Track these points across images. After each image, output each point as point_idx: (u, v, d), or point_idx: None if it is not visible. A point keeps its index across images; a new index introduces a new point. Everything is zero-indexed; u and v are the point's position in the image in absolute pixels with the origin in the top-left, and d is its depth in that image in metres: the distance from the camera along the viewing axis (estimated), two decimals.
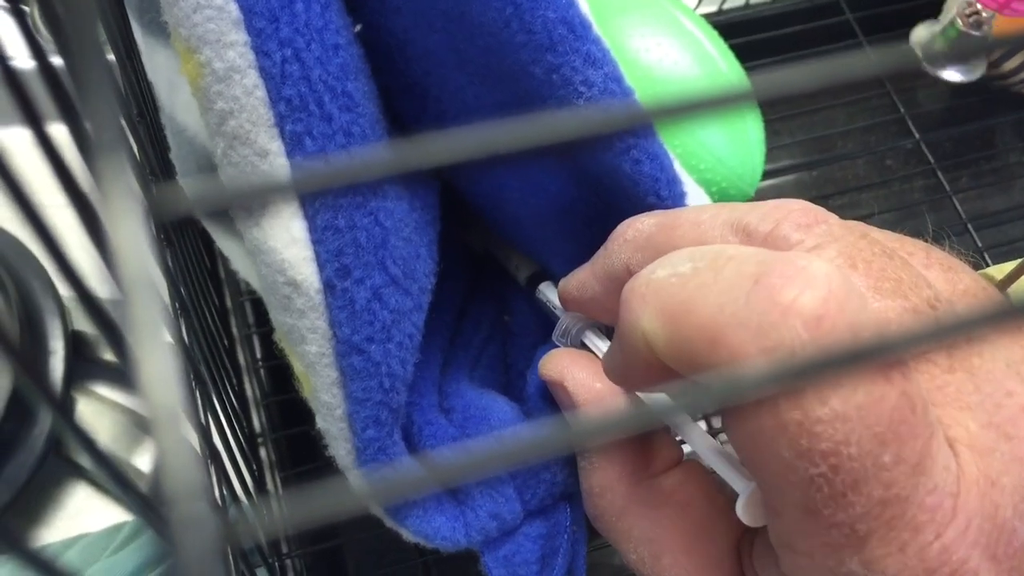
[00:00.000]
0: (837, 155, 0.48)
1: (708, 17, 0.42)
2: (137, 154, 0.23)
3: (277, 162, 0.19)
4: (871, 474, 0.13)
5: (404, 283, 0.21)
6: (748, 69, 0.35)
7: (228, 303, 0.39)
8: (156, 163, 0.26)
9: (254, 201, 0.07)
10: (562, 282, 0.23)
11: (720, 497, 0.20)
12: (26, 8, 0.36)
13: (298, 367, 0.21)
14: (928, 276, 0.17)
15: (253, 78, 0.19)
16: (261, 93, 0.19)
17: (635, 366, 0.16)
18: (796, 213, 0.17)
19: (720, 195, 0.33)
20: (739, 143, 0.33)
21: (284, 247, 0.20)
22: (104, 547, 0.33)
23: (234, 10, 0.18)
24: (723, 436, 0.32)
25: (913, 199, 0.48)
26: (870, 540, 0.14)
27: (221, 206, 0.07)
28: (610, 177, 0.23)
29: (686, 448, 0.22)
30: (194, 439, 0.20)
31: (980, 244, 0.43)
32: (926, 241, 0.19)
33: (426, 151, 0.07)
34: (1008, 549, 0.14)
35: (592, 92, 0.21)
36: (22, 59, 0.32)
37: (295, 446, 0.36)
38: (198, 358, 0.24)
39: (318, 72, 0.19)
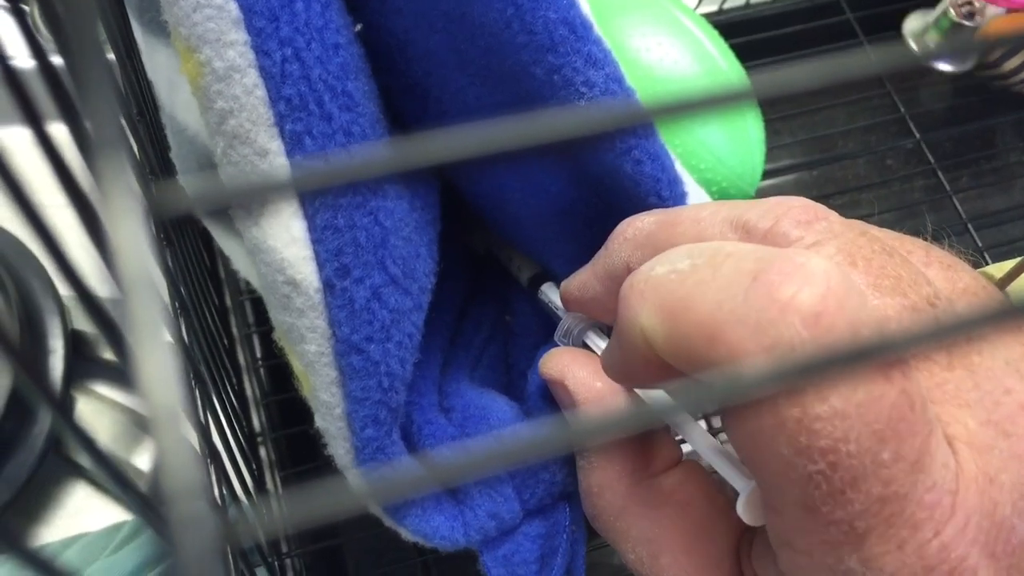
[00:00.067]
0: (837, 155, 0.48)
1: (708, 17, 0.42)
2: (137, 153, 0.23)
3: (277, 161, 0.19)
4: (870, 471, 0.13)
5: (404, 283, 0.21)
6: (748, 68, 0.35)
7: (228, 302, 0.39)
8: (156, 162, 0.26)
9: (254, 200, 0.07)
10: (564, 283, 0.23)
11: (720, 497, 0.20)
12: (26, 7, 0.36)
13: (297, 366, 0.21)
14: (928, 274, 0.17)
15: (253, 77, 0.19)
16: (261, 92, 0.19)
17: (634, 363, 0.16)
18: (796, 210, 0.17)
19: (720, 195, 0.33)
20: (739, 143, 0.33)
21: (284, 246, 0.20)
22: (103, 546, 0.33)
23: (234, 9, 0.18)
24: (723, 436, 0.32)
25: (913, 199, 0.48)
26: (869, 537, 0.14)
27: (221, 205, 0.07)
28: (611, 177, 0.23)
29: (686, 448, 0.22)
30: (194, 438, 0.20)
31: (980, 244, 0.43)
32: (926, 240, 0.19)
33: (426, 149, 0.07)
34: (1007, 547, 0.14)
35: (593, 93, 0.21)
36: (22, 58, 0.32)
37: (295, 445, 0.36)
38: (198, 357, 0.24)
39: (318, 71, 0.19)
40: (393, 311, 0.21)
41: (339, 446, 0.21)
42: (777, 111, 0.46)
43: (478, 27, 0.21)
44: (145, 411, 0.06)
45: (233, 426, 0.27)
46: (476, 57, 0.22)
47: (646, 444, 0.21)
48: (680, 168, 0.23)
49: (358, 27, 0.23)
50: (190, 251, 0.29)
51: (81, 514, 0.35)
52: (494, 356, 0.30)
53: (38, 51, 0.10)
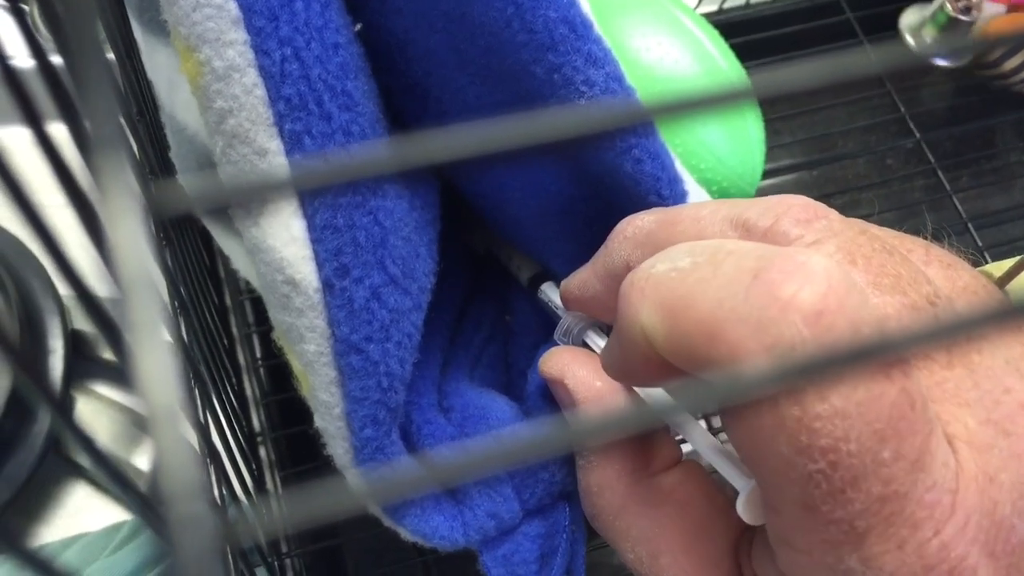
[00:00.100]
0: (838, 154, 0.48)
1: (708, 16, 0.42)
2: (137, 153, 0.23)
3: (276, 161, 0.19)
4: (870, 470, 0.13)
5: (403, 282, 0.21)
6: (748, 68, 0.35)
7: (228, 302, 0.39)
8: (156, 162, 0.26)
9: (253, 199, 0.07)
10: (564, 282, 0.23)
11: (719, 496, 0.20)
12: (25, 7, 0.36)
13: (296, 365, 0.21)
14: (927, 272, 0.17)
15: (252, 77, 0.19)
16: (260, 92, 0.19)
17: (633, 361, 0.16)
18: (796, 208, 0.17)
19: (720, 194, 0.33)
20: (739, 142, 0.33)
21: (283, 246, 0.20)
22: (103, 546, 0.33)
23: (233, 8, 0.18)
24: (723, 436, 0.32)
25: (913, 198, 0.48)
26: (868, 537, 0.14)
27: (220, 204, 0.07)
28: (611, 176, 0.23)
29: (686, 448, 0.22)
30: (193, 438, 0.20)
31: (980, 243, 0.43)
32: (925, 239, 0.19)
33: (426, 149, 0.07)
34: (1006, 546, 0.14)
35: (593, 92, 0.21)
36: (22, 58, 0.32)
37: (295, 445, 0.36)
38: (197, 357, 0.24)
39: (318, 71, 0.19)
40: (392, 311, 0.21)
41: (338, 446, 0.21)
42: (777, 111, 0.46)
43: (478, 26, 0.21)
44: (144, 411, 0.06)
45: (233, 426, 0.27)
46: (476, 56, 0.22)
47: (646, 443, 0.21)
48: (680, 167, 0.23)
49: (358, 27, 0.23)
50: (190, 250, 0.29)
51: (81, 514, 0.35)
52: (494, 356, 0.30)
53: (38, 51, 0.10)
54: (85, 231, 0.09)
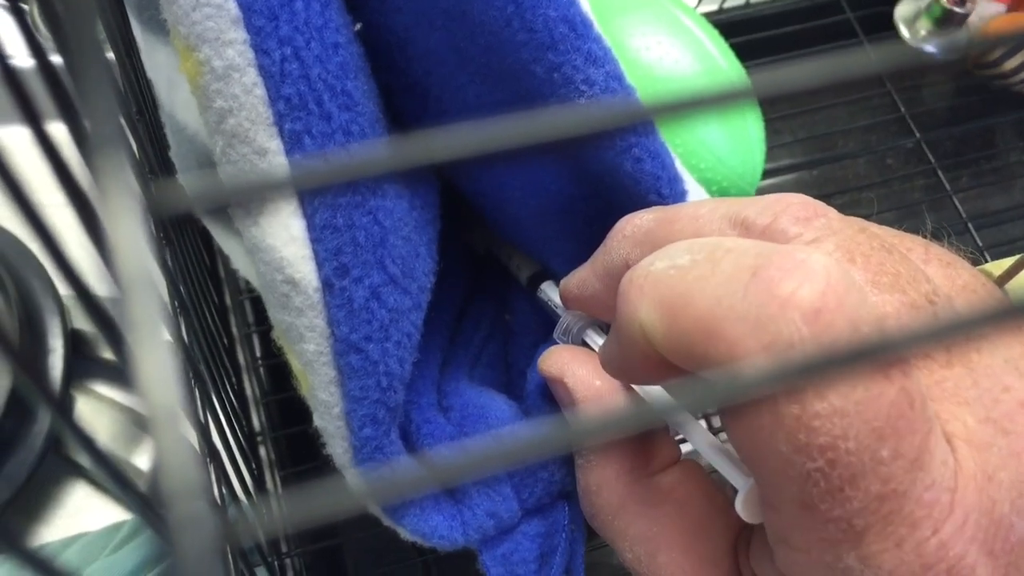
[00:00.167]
0: (838, 154, 0.48)
1: (708, 16, 0.42)
2: (136, 152, 0.23)
3: (276, 160, 0.19)
4: (869, 469, 0.13)
5: (403, 282, 0.21)
6: (748, 68, 0.35)
7: (228, 301, 0.39)
8: (156, 161, 0.26)
9: (253, 198, 0.07)
10: (563, 281, 0.23)
11: (718, 496, 0.20)
12: (25, 6, 0.36)
13: (296, 365, 0.21)
14: (926, 271, 0.17)
15: (252, 76, 0.19)
16: (260, 91, 0.19)
17: (632, 359, 0.16)
18: (795, 207, 0.17)
19: (720, 194, 0.33)
20: (739, 142, 0.33)
21: (283, 245, 0.20)
22: (103, 546, 0.33)
23: (233, 8, 0.18)
24: (723, 435, 0.32)
25: (913, 198, 0.48)
26: (867, 535, 0.14)
27: (220, 203, 0.07)
28: (611, 175, 0.23)
29: (685, 447, 0.22)
30: (193, 438, 0.20)
31: (980, 243, 0.43)
32: (925, 238, 0.19)
33: (425, 148, 0.07)
34: (1005, 544, 0.14)
35: (593, 91, 0.21)
36: (21, 58, 0.32)
37: (295, 445, 0.36)
38: (197, 357, 0.24)
39: (317, 71, 0.19)
40: (392, 310, 0.21)
41: (337, 445, 0.21)
42: (777, 110, 0.46)
43: (478, 25, 0.21)
44: (144, 410, 0.06)
45: (233, 425, 0.27)
46: (476, 55, 0.22)
47: (645, 443, 0.21)
48: (680, 166, 0.23)
49: (358, 26, 0.23)
50: (189, 250, 0.29)
51: (81, 514, 0.35)
52: (493, 355, 0.30)
53: (37, 50, 0.10)
54: (85, 230, 0.09)
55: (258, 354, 0.38)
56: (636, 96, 0.22)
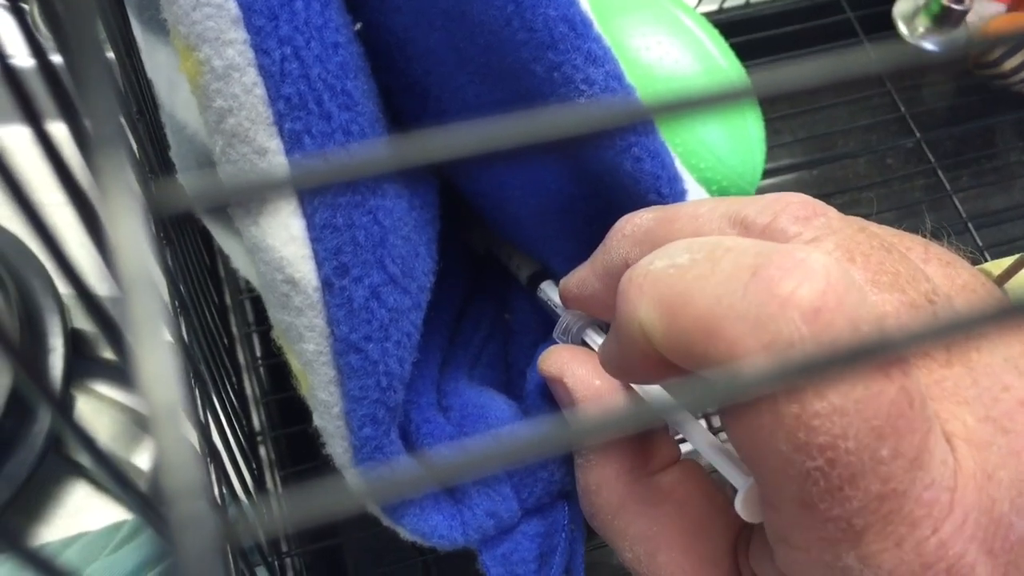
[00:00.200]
0: (838, 154, 0.48)
1: (709, 16, 0.42)
2: (137, 152, 0.23)
3: (276, 160, 0.19)
4: (868, 468, 0.13)
5: (403, 282, 0.21)
6: (748, 67, 0.35)
7: (228, 301, 0.39)
8: (156, 161, 0.26)
9: (253, 198, 0.07)
10: (563, 280, 0.23)
11: (718, 495, 0.20)
12: (26, 6, 0.36)
13: (296, 364, 0.21)
14: (926, 270, 0.17)
15: (252, 76, 0.19)
16: (260, 91, 0.19)
17: (632, 358, 0.16)
18: (794, 206, 0.17)
19: (720, 193, 0.33)
20: (739, 142, 0.33)
21: (282, 245, 0.20)
22: (103, 546, 0.33)
23: (233, 8, 0.18)
24: (723, 435, 0.32)
25: (914, 198, 0.48)
26: (867, 534, 0.14)
27: (220, 203, 0.07)
28: (611, 175, 0.23)
29: (685, 447, 0.22)
30: (193, 438, 0.20)
31: (980, 243, 0.43)
32: (925, 237, 0.19)
33: (425, 148, 0.07)
34: (1005, 544, 0.14)
35: (593, 90, 0.21)
36: (22, 57, 0.32)
37: (295, 444, 0.36)
38: (197, 356, 0.24)
39: (317, 70, 0.19)
40: (392, 310, 0.21)
41: (337, 445, 0.21)
42: (777, 110, 0.46)
43: (478, 25, 0.21)
44: (145, 410, 0.06)
45: (233, 425, 0.27)
46: (476, 55, 0.22)
47: (644, 442, 0.21)
48: (680, 166, 0.23)
49: (357, 26, 0.23)
50: (190, 250, 0.29)
51: (81, 513, 0.35)
52: (493, 355, 0.30)
53: (37, 50, 0.10)
54: (85, 230, 0.09)
55: (258, 354, 0.38)
56: (636, 95, 0.22)
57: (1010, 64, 0.46)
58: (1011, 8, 0.48)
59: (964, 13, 0.45)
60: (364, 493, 0.07)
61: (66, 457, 0.35)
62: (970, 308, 0.15)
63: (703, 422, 0.36)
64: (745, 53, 0.36)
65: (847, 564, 0.14)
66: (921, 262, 0.17)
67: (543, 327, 0.28)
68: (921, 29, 0.46)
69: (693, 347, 0.14)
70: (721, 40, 0.34)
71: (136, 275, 0.07)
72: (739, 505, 0.17)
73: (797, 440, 0.13)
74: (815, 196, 0.18)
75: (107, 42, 0.23)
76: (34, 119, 0.09)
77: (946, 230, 0.22)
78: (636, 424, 0.07)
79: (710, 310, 0.14)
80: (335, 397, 0.21)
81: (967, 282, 0.17)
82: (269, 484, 0.35)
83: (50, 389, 0.28)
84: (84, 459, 0.35)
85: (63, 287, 0.36)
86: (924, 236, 0.19)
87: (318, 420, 0.22)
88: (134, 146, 0.23)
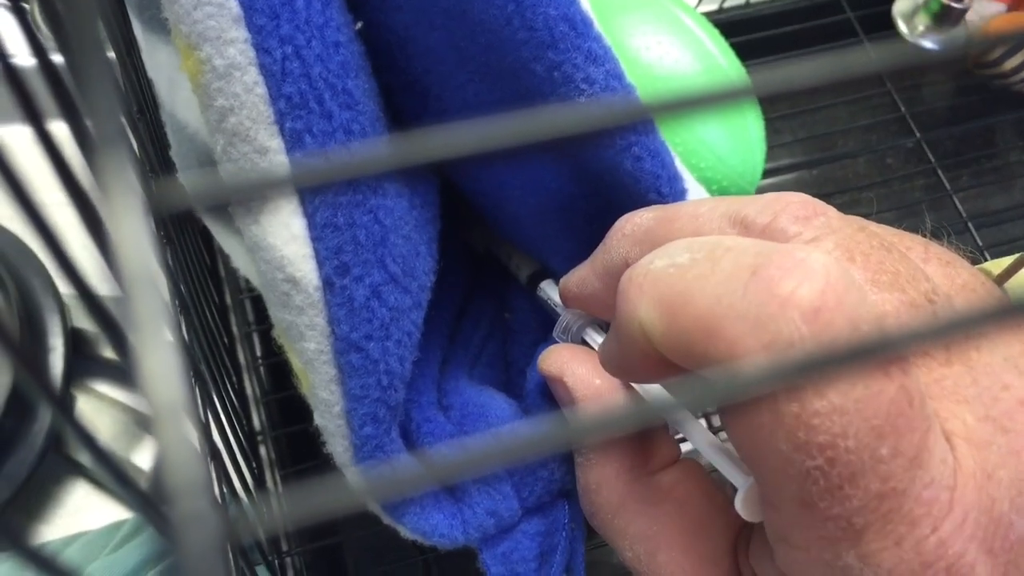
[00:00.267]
0: (838, 154, 0.48)
1: (709, 15, 0.42)
2: (137, 151, 0.23)
3: (277, 159, 0.19)
4: (868, 467, 0.13)
5: (403, 281, 0.21)
6: (749, 67, 0.35)
7: (228, 300, 0.39)
8: (156, 160, 0.26)
9: (253, 197, 0.07)
10: (562, 279, 0.23)
11: (718, 495, 0.20)
12: (26, 6, 0.36)
13: (296, 364, 0.21)
14: (926, 270, 0.17)
15: (253, 75, 0.19)
16: (261, 90, 0.19)
17: (631, 357, 0.16)
18: (794, 205, 0.17)
19: (720, 193, 0.33)
20: (740, 141, 0.33)
21: (283, 244, 0.20)
22: (104, 545, 0.33)
23: (234, 7, 0.18)
24: (723, 435, 0.32)
25: (914, 198, 0.48)
26: (866, 533, 0.14)
27: (221, 202, 0.07)
28: (611, 174, 0.23)
29: (685, 447, 0.22)
30: (194, 437, 0.20)
31: (980, 243, 0.43)
32: (924, 237, 0.19)
33: (426, 147, 0.07)
34: (1004, 543, 0.14)
35: (593, 89, 0.21)
36: (23, 57, 0.32)
37: (295, 444, 0.36)
38: (198, 356, 0.24)
39: (318, 69, 0.19)
40: (392, 309, 0.21)
41: (338, 444, 0.21)
42: (777, 110, 0.46)
43: (478, 24, 0.21)
44: (147, 409, 0.06)
45: (233, 424, 0.27)
46: (476, 54, 0.22)
47: (644, 441, 0.21)
48: (680, 165, 0.23)
49: (358, 25, 0.23)
50: (190, 249, 0.29)
51: (81, 512, 0.35)
52: (493, 354, 0.30)
53: (38, 49, 0.10)
54: (86, 229, 0.09)
55: (258, 353, 0.38)
56: (636, 95, 0.22)
57: (1010, 64, 0.46)
58: (1011, 8, 0.48)
59: (964, 11, 0.45)
60: (364, 491, 0.07)
61: (66, 456, 0.35)
62: (970, 307, 0.15)
63: (703, 421, 0.36)
64: (745, 53, 0.36)
65: (847, 563, 0.14)
66: (921, 261, 0.17)
67: (543, 326, 0.28)
68: (921, 27, 0.46)
69: (693, 346, 0.14)
70: (721, 40, 0.34)
71: (138, 274, 0.07)
72: (739, 504, 0.17)
73: (797, 439, 0.13)
74: (815, 196, 0.18)
75: (108, 41, 0.23)
76: (35, 118, 0.09)
77: (946, 230, 0.22)
78: (636, 423, 0.07)
79: (710, 309, 0.14)
80: (336, 396, 0.21)
81: (967, 282, 0.17)
82: (269, 483, 0.35)
83: (50, 388, 0.28)
84: (84, 458, 0.35)
85: (64, 286, 0.36)
86: (924, 236, 0.19)
87: (319, 419, 0.22)
88: (135, 145, 0.23)
